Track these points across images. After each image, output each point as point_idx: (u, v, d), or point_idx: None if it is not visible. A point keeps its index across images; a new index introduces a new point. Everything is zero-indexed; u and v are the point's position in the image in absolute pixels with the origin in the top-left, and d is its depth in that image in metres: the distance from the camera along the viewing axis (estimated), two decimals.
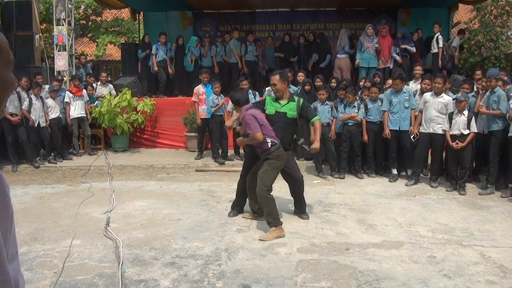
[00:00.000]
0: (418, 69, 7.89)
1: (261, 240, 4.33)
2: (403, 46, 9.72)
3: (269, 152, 4.51)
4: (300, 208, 5.12)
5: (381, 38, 9.79)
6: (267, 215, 4.48)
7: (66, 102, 8.62)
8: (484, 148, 6.53)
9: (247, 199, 5.08)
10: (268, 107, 5.00)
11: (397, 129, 6.89)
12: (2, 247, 0.99)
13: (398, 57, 9.68)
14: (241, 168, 5.30)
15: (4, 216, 1.02)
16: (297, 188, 5.03)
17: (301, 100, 5.09)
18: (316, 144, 4.98)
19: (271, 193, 4.54)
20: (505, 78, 6.86)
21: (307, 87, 8.03)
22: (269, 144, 4.50)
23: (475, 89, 7.16)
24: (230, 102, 7.90)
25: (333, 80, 8.41)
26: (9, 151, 7.81)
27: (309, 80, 8.34)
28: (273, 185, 4.61)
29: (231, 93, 5.00)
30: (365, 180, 7.05)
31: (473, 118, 6.26)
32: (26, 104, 7.79)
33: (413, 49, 9.76)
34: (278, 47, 11.04)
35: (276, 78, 4.92)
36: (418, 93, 7.20)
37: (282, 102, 4.96)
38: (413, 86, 7.69)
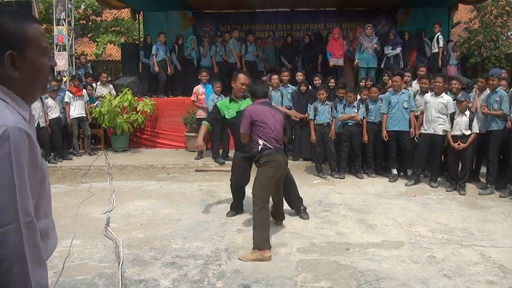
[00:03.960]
0: (422, 70, 7.89)
1: (240, 259, 3.89)
2: (387, 52, 9.85)
3: (259, 156, 4.17)
4: (297, 204, 5.06)
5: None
6: (256, 234, 3.96)
7: (66, 102, 8.61)
8: (482, 148, 6.53)
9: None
10: (227, 111, 4.94)
11: (397, 129, 6.89)
12: (28, 194, 1.15)
13: (393, 52, 9.73)
14: None
15: (34, 173, 1.19)
16: (294, 189, 4.99)
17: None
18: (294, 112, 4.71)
19: (266, 205, 4.07)
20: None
21: (302, 88, 8.01)
22: (260, 147, 4.14)
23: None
24: None
25: (332, 80, 8.41)
26: None
27: (305, 80, 8.31)
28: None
29: (251, 83, 4.79)
30: (365, 180, 7.05)
31: (475, 118, 6.26)
32: None
33: (397, 51, 9.80)
34: (280, 48, 11.00)
35: (247, 78, 4.92)
36: (419, 93, 7.22)
37: (240, 101, 4.95)
38: (416, 86, 7.70)
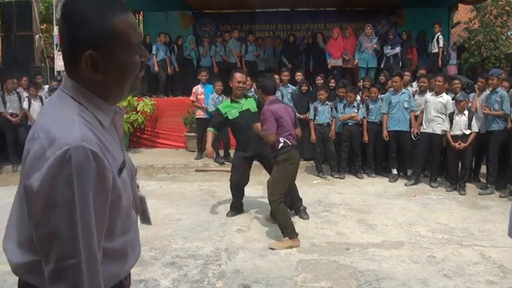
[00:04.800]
0: (422, 73, 7.89)
1: (271, 248, 4.12)
2: (386, 52, 9.84)
3: (277, 154, 4.28)
4: (297, 204, 5.06)
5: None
6: (281, 228, 4.23)
7: None
8: (482, 148, 6.53)
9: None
10: (229, 112, 4.93)
11: (397, 129, 6.90)
12: (92, 225, 1.00)
13: (392, 52, 9.75)
14: None
15: (102, 197, 1.03)
16: (293, 192, 4.97)
17: (255, 96, 5.21)
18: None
19: (283, 200, 4.31)
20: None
21: (304, 88, 8.01)
22: (280, 144, 4.26)
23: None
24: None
25: (332, 80, 8.41)
26: (9, 151, 7.82)
27: (305, 81, 8.30)
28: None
29: (258, 78, 4.65)
30: (365, 180, 7.04)
31: (474, 118, 6.26)
32: (25, 103, 7.79)
33: (396, 50, 9.80)
34: (282, 48, 10.98)
35: (243, 75, 4.96)
36: (417, 93, 7.23)
37: (241, 101, 4.95)
38: (414, 85, 7.70)
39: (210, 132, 4.98)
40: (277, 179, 4.28)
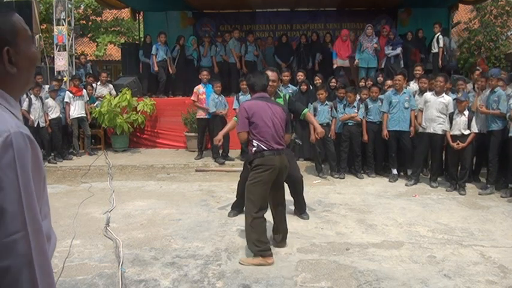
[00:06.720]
0: (418, 70, 7.87)
1: (241, 263, 3.77)
2: (387, 52, 9.81)
3: (251, 159, 3.82)
4: (300, 208, 5.12)
5: (382, 38, 9.81)
6: (251, 242, 3.77)
7: (66, 102, 8.61)
8: (482, 148, 6.53)
9: None
10: None
11: (397, 129, 6.89)
12: (35, 200, 1.12)
13: (393, 52, 9.76)
14: (241, 168, 5.30)
15: (37, 177, 1.16)
16: (296, 188, 5.03)
17: (287, 95, 5.00)
18: (319, 128, 4.53)
19: (261, 214, 3.80)
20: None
21: (303, 87, 8.01)
22: (254, 149, 3.76)
23: (470, 88, 7.19)
24: (235, 101, 7.96)
25: (333, 80, 8.41)
26: None
27: (306, 80, 8.31)
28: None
29: (248, 75, 4.35)
30: (365, 180, 7.05)
31: (474, 118, 6.26)
32: (25, 104, 7.79)
33: (397, 51, 9.79)
34: (276, 48, 11.02)
35: (275, 75, 4.71)
36: (418, 93, 7.22)
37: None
38: (414, 86, 7.70)
39: (234, 122, 4.87)
40: (247, 188, 3.80)
